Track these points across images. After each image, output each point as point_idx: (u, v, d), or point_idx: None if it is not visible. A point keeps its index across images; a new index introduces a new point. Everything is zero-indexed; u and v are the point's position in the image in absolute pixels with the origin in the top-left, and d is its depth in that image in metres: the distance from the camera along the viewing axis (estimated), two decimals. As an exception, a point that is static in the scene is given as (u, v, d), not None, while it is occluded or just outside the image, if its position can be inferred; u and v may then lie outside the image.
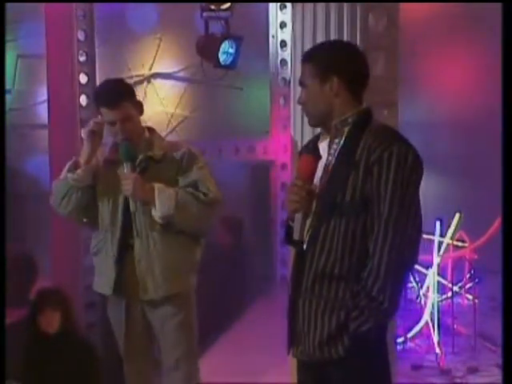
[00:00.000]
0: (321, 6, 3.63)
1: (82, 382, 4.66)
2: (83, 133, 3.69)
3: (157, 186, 3.54)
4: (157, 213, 3.54)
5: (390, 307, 2.64)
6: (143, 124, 3.77)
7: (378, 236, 2.61)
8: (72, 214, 3.74)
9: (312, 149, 2.83)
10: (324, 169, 2.74)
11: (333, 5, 3.63)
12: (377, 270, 2.61)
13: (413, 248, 2.67)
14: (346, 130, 2.73)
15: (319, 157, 2.77)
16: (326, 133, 2.79)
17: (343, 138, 2.73)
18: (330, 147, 2.75)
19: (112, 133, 3.62)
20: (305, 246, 2.75)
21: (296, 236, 2.77)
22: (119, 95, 3.56)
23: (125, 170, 3.55)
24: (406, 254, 2.64)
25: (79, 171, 3.63)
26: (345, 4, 3.59)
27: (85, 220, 3.81)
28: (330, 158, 2.74)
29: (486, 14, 5.87)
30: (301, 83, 2.83)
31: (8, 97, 8.64)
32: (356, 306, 2.63)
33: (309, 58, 2.83)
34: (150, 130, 3.76)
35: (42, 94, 8.28)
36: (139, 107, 3.67)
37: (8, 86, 8.61)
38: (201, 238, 3.79)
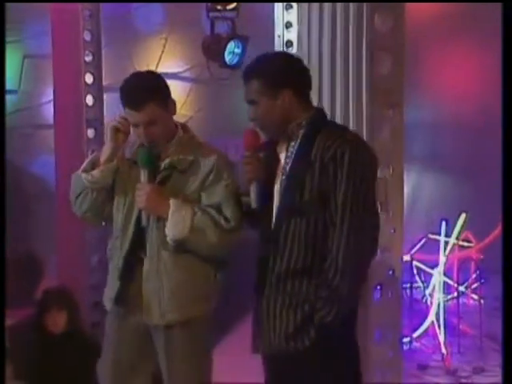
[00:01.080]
0: (327, 6, 3.63)
1: (87, 382, 4.68)
2: (106, 128, 3.29)
3: (173, 202, 3.11)
4: (168, 234, 3.12)
5: (350, 297, 2.79)
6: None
7: (335, 231, 2.75)
8: (86, 215, 3.30)
9: (272, 151, 2.94)
10: (283, 171, 2.89)
11: (339, 5, 3.63)
12: (335, 262, 2.74)
13: (369, 241, 2.82)
14: (301, 132, 2.86)
15: (278, 160, 2.90)
16: (283, 137, 2.90)
17: (298, 140, 2.86)
18: (287, 150, 2.88)
19: (136, 135, 3.19)
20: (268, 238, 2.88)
21: (254, 205, 2.92)
22: (144, 96, 3.08)
23: (141, 178, 3.15)
24: (362, 247, 2.78)
25: (95, 172, 3.20)
26: (351, 4, 3.59)
27: (99, 223, 3.42)
28: (288, 160, 2.87)
29: (492, 14, 5.86)
30: (250, 101, 2.88)
31: (14, 97, 8.68)
32: (319, 298, 2.78)
33: (255, 74, 2.88)
34: (184, 128, 3.29)
35: (48, 95, 8.29)
36: (170, 107, 3.20)
37: (14, 86, 8.66)
38: (223, 260, 3.33)
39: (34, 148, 8.61)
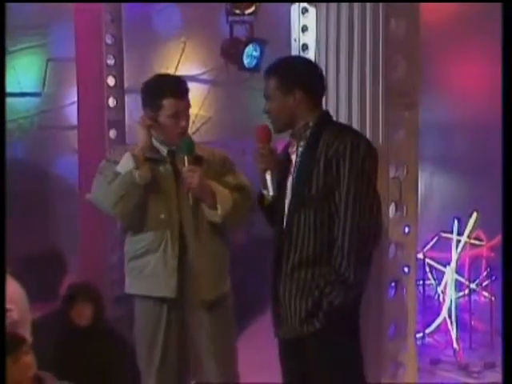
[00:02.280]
0: (344, 11, 3.64)
1: (112, 373, 4.70)
2: (139, 127, 3.43)
3: (214, 184, 3.41)
4: (218, 211, 3.37)
5: (356, 280, 2.94)
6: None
7: (340, 220, 2.93)
8: (129, 214, 3.44)
9: (285, 153, 3.15)
10: (293, 169, 3.07)
11: (356, 10, 3.63)
12: (341, 249, 2.91)
13: (371, 228, 2.97)
14: (308, 132, 3.05)
15: (290, 160, 3.09)
16: (293, 138, 3.10)
17: (306, 140, 3.05)
18: (297, 150, 3.07)
19: (171, 126, 3.41)
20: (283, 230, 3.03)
21: (271, 192, 3.09)
22: (186, 85, 3.49)
23: (186, 164, 3.36)
24: (366, 233, 2.94)
25: (143, 168, 3.37)
26: (367, 9, 3.59)
27: (133, 220, 3.49)
28: (297, 158, 3.07)
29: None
30: (266, 96, 3.11)
31: (38, 99, 8.75)
32: (327, 283, 2.95)
33: (272, 72, 3.12)
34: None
35: (71, 97, 8.34)
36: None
37: (38, 88, 8.73)
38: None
39: (57, 148, 8.67)
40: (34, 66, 8.72)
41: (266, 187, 3.13)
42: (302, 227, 2.99)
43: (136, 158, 3.36)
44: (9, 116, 8.74)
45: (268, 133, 3.13)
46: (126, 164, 3.37)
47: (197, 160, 3.43)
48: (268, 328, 3.47)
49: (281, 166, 3.12)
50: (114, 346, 4.80)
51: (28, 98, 8.71)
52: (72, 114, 8.43)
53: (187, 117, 3.46)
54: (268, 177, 3.09)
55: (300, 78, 3.09)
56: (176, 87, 3.43)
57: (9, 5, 8.29)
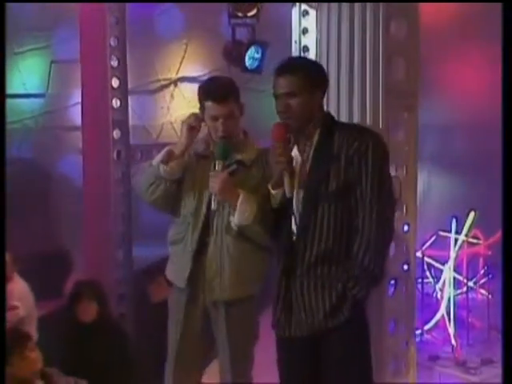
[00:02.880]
0: (345, 13, 3.66)
1: (116, 367, 4.73)
2: (182, 126, 3.49)
3: (242, 192, 3.37)
4: (234, 220, 3.39)
5: (380, 274, 2.96)
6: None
7: (365, 214, 2.91)
8: (156, 202, 3.55)
9: None
10: (301, 166, 3.00)
11: (356, 12, 3.66)
12: (366, 243, 2.90)
13: (392, 222, 3.03)
14: (317, 131, 3.00)
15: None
16: (298, 138, 3.02)
17: (316, 139, 3.00)
18: (304, 148, 3.01)
19: (212, 128, 3.46)
20: (294, 237, 2.99)
21: (289, 194, 2.98)
22: (229, 91, 3.45)
23: (216, 167, 3.38)
24: (388, 227, 2.99)
25: (173, 164, 3.46)
26: (368, 11, 3.62)
27: (166, 209, 3.61)
28: (306, 156, 3.01)
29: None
30: (289, 93, 2.97)
31: (42, 100, 8.78)
32: (351, 277, 2.92)
33: (299, 69, 3.02)
34: (245, 132, 3.61)
35: (74, 97, 8.36)
36: (241, 109, 3.54)
37: (42, 90, 8.75)
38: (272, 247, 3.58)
39: (61, 148, 8.70)
40: (38, 67, 8.74)
41: (277, 187, 3.02)
42: (318, 224, 2.95)
43: (167, 153, 3.46)
44: (14, 116, 8.79)
45: (285, 131, 3.03)
46: (159, 157, 3.49)
47: (234, 164, 3.43)
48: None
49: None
50: (117, 341, 4.83)
51: (32, 99, 8.74)
52: (75, 114, 8.45)
53: (228, 122, 3.42)
54: (286, 178, 2.99)
55: (323, 78, 3.09)
56: (216, 91, 3.43)
57: (14, 7, 8.37)
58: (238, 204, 3.36)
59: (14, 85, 8.77)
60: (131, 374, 4.80)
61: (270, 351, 3.22)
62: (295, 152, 3.03)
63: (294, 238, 3.00)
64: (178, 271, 3.58)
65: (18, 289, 5.55)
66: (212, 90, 3.44)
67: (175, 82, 8.59)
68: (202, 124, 3.50)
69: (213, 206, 3.41)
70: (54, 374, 4.15)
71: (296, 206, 3.01)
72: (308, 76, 2.99)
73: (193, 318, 3.58)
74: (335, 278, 2.94)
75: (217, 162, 3.38)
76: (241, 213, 3.36)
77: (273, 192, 3.04)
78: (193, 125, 3.45)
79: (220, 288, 3.49)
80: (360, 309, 2.99)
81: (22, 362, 3.99)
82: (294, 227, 3.01)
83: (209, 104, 3.41)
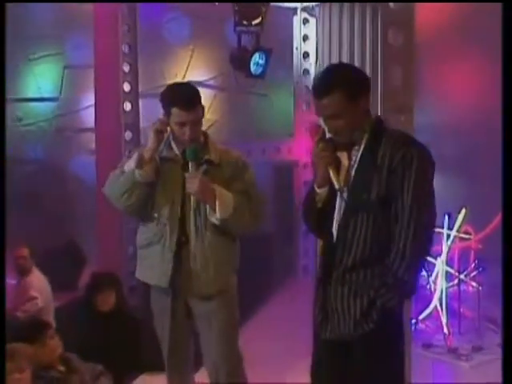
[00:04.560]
0: (346, 23, 3.75)
1: (130, 354, 4.81)
2: (150, 130, 3.44)
3: (217, 188, 3.38)
4: (217, 214, 3.37)
5: (413, 286, 2.84)
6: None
7: (403, 225, 2.77)
8: (131, 207, 3.48)
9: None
10: (346, 173, 2.88)
11: (356, 22, 3.75)
12: (402, 254, 2.77)
13: (430, 234, 2.86)
14: (365, 137, 2.86)
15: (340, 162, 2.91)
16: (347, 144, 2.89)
17: (363, 145, 2.86)
18: (350, 154, 2.88)
19: (179, 133, 3.40)
20: (333, 241, 2.89)
21: (337, 186, 2.86)
22: (195, 98, 3.40)
23: (190, 169, 3.35)
24: (425, 239, 2.83)
25: (147, 168, 3.40)
26: (367, 22, 3.70)
27: (139, 214, 3.55)
28: (352, 163, 2.88)
29: (494, 27, 5.93)
30: (332, 115, 2.80)
31: (55, 104, 8.86)
32: (383, 285, 2.80)
33: (332, 89, 2.79)
34: (205, 134, 3.56)
35: (86, 101, 8.47)
36: (203, 111, 3.49)
37: (55, 94, 8.84)
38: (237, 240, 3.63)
39: (73, 149, 8.78)
40: (52, 72, 8.83)
41: (324, 185, 2.91)
42: (358, 231, 2.83)
43: (139, 158, 3.41)
44: (30, 119, 8.91)
45: (323, 129, 2.90)
46: (131, 163, 3.44)
47: (205, 164, 3.43)
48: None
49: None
50: (133, 329, 4.88)
51: (47, 103, 8.83)
52: (87, 117, 8.55)
53: (195, 127, 3.39)
54: (331, 171, 2.86)
55: (361, 84, 2.86)
56: (182, 99, 3.37)
57: (29, 15, 8.47)
58: (217, 199, 3.35)
59: (29, 89, 8.88)
60: (143, 360, 4.88)
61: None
62: (344, 155, 2.89)
63: (333, 241, 2.90)
64: (158, 272, 3.50)
65: (37, 281, 5.66)
66: (178, 97, 3.38)
67: (182, 87, 8.68)
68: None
69: (193, 205, 3.41)
70: (73, 360, 4.22)
71: (338, 208, 2.90)
72: (346, 92, 2.78)
73: (178, 315, 3.56)
74: (368, 285, 2.83)
75: (190, 164, 3.35)
76: (221, 206, 3.36)
77: (318, 190, 2.94)
78: (160, 129, 3.39)
79: (205, 283, 3.47)
80: (391, 319, 2.85)
81: (43, 349, 4.03)
82: (334, 230, 2.91)
83: (175, 110, 3.35)
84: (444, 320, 5.69)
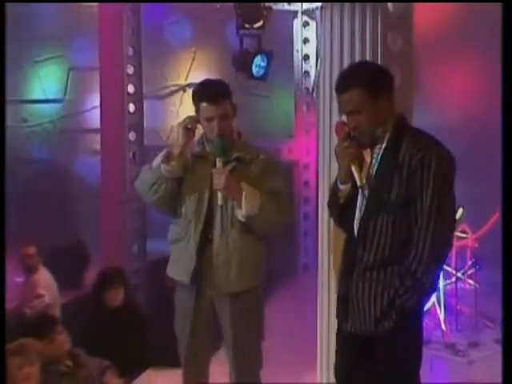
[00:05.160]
0: (346, 26, 3.79)
1: (138, 347, 4.85)
2: (178, 127, 3.41)
3: (244, 184, 3.34)
4: (242, 211, 3.33)
5: (431, 288, 2.82)
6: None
7: (422, 226, 2.74)
8: (158, 201, 3.47)
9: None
10: (368, 171, 2.85)
11: (357, 25, 3.78)
12: (420, 255, 2.74)
13: (450, 236, 2.86)
14: (387, 136, 2.82)
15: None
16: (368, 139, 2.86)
17: (384, 144, 2.83)
18: (372, 151, 2.85)
19: (208, 129, 3.38)
20: (356, 234, 2.87)
21: (360, 182, 2.84)
22: (222, 93, 3.36)
23: (217, 165, 3.33)
24: (445, 241, 2.81)
25: (173, 163, 3.39)
26: (367, 25, 3.74)
27: (167, 209, 3.52)
28: (374, 161, 2.85)
29: (490, 31, 5.97)
30: (351, 111, 2.79)
31: (59, 105, 8.92)
32: (402, 285, 2.78)
33: (352, 85, 2.77)
34: (239, 133, 3.52)
35: (90, 102, 8.52)
36: (235, 109, 3.43)
37: (60, 95, 8.90)
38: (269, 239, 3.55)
39: (77, 150, 8.84)
40: (57, 74, 8.89)
41: (346, 181, 2.89)
42: (378, 230, 2.81)
43: (167, 154, 3.41)
44: (35, 120, 8.97)
45: (346, 128, 2.87)
46: (159, 158, 3.45)
47: (233, 161, 3.39)
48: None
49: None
50: (140, 325, 4.92)
51: (51, 104, 8.89)
52: (91, 118, 8.61)
53: (223, 122, 3.35)
54: (353, 168, 2.83)
55: (384, 80, 2.82)
56: (210, 93, 3.34)
57: (34, 18, 8.51)
58: (244, 196, 3.31)
59: (34, 91, 8.95)
60: (149, 355, 4.92)
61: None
62: (368, 153, 2.86)
63: (355, 238, 2.88)
64: (182, 268, 3.47)
65: (44, 278, 5.71)
66: (206, 92, 3.36)
67: (184, 88, 8.72)
68: (199, 126, 3.43)
69: (219, 202, 3.36)
70: (80, 355, 4.26)
71: (360, 205, 2.88)
72: (367, 88, 2.76)
73: (201, 311, 3.50)
74: (389, 284, 2.81)
75: (217, 160, 3.34)
76: (248, 203, 3.31)
77: (340, 187, 2.93)
78: (188, 126, 3.39)
79: (227, 281, 3.41)
80: (410, 319, 2.82)
81: (51, 344, 4.08)
82: (355, 227, 2.89)
83: (203, 105, 3.34)
84: (442, 317, 5.71)
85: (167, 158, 3.41)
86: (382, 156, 2.83)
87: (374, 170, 2.84)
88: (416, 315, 2.87)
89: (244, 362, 3.54)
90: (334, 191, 3.01)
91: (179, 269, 3.49)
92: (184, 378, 3.67)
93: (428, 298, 2.91)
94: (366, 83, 2.77)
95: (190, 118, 3.42)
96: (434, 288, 2.86)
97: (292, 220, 3.65)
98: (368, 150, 2.87)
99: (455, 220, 2.89)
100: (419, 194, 2.74)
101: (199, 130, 3.48)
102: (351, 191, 2.91)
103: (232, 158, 3.39)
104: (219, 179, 3.32)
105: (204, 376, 3.64)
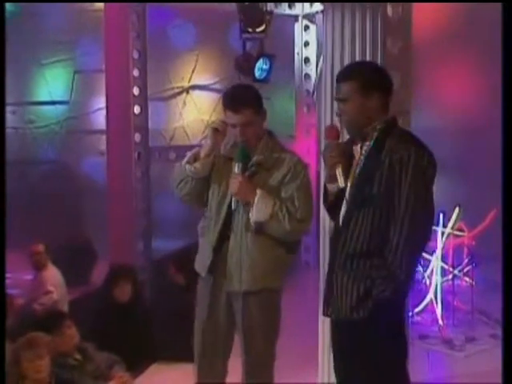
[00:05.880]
0: (347, 31, 3.85)
1: (146, 342, 4.92)
2: (208, 130, 3.51)
3: (259, 191, 3.38)
4: (252, 216, 3.39)
5: (406, 279, 2.89)
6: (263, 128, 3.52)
7: (397, 222, 2.83)
8: (185, 197, 3.57)
9: (349, 148, 3.04)
10: (356, 167, 2.97)
11: (357, 29, 3.84)
12: (395, 248, 2.84)
13: (425, 232, 2.92)
14: (375, 135, 2.94)
15: (353, 156, 3.01)
16: (359, 138, 3.00)
17: (372, 142, 2.95)
18: (361, 149, 2.98)
19: (233, 134, 3.45)
20: (341, 223, 2.98)
21: (342, 184, 2.97)
22: (243, 102, 3.38)
23: (235, 169, 3.40)
24: (419, 237, 2.88)
25: (197, 164, 3.47)
26: (367, 30, 3.80)
27: (195, 204, 3.62)
28: (362, 157, 2.97)
29: (486, 36, 6.01)
30: (342, 99, 2.95)
31: (65, 107, 8.98)
32: (378, 277, 2.88)
33: (350, 76, 2.95)
34: (270, 134, 3.54)
35: (95, 104, 8.59)
36: (262, 114, 3.46)
37: (66, 97, 8.96)
38: (294, 245, 3.60)
39: (83, 150, 8.90)
40: (63, 77, 8.94)
41: (332, 181, 3.02)
42: (359, 223, 2.91)
43: (192, 155, 3.50)
44: (41, 122, 9.04)
45: (337, 132, 3.05)
46: (186, 158, 3.53)
47: (253, 166, 3.42)
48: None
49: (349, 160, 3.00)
50: (147, 320, 4.98)
51: (58, 106, 8.95)
52: (96, 119, 8.68)
53: (245, 129, 3.39)
54: (338, 170, 2.96)
55: (380, 81, 2.96)
56: (231, 101, 3.41)
57: (41, 22, 8.57)
58: (255, 202, 3.36)
59: (40, 93, 9.01)
60: (156, 349, 4.98)
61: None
62: (357, 150, 2.98)
63: (339, 230, 3.00)
64: (201, 261, 3.58)
65: (52, 275, 5.77)
66: (229, 100, 3.42)
67: (187, 90, 8.79)
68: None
69: (233, 206, 3.42)
70: (89, 349, 4.34)
71: (345, 201, 2.98)
72: (360, 82, 2.91)
73: (217, 303, 3.55)
74: (366, 274, 2.91)
75: (236, 164, 3.40)
76: (257, 210, 3.36)
77: (328, 187, 3.05)
78: (218, 128, 3.44)
79: (239, 280, 3.45)
80: (386, 309, 2.90)
81: (60, 338, 4.16)
82: (341, 220, 3.00)
83: (227, 112, 3.41)
84: (439, 313, 5.77)
85: (193, 159, 3.49)
86: (367, 153, 2.95)
87: (360, 166, 2.96)
88: (392, 305, 2.95)
89: (255, 361, 3.56)
90: (324, 189, 3.15)
91: (199, 261, 3.60)
92: (197, 373, 3.69)
93: (404, 289, 2.97)
94: (358, 77, 2.93)
95: (220, 120, 3.49)
96: (410, 279, 2.93)
97: (309, 228, 3.59)
98: (358, 148, 2.98)
99: (432, 216, 2.94)
100: (397, 191, 2.83)
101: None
102: (338, 190, 3.02)
103: (252, 163, 3.43)
104: (234, 184, 3.40)
105: (219, 373, 3.66)
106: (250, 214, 3.40)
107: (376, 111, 2.94)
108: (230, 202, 3.45)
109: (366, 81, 2.93)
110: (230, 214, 3.47)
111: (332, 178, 3.01)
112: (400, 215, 2.82)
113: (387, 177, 2.84)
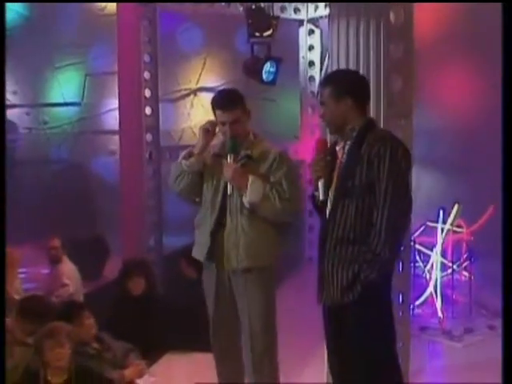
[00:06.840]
0: (352, 36, 3.95)
1: (158, 335, 5.00)
2: (199, 129, 3.80)
3: (251, 176, 3.70)
4: (246, 198, 3.69)
5: (390, 258, 3.16)
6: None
7: (379, 209, 3.11)
8: (182, 191, 3.87)
9: (332, 150, 3.34)
10: (340, 164, 3.25)
11: (361, 34, 3.95)
12: (379, 233, 3.11)
13: (404, 217, 3.18)
14: (354, 134, 3.23)
15: (336, 156, 3.30)
16: (341, 138, 3.30)
17: (352, 140, 3.23)
18: (343, 148, 3.27)
19: (222, 132, 3.75)
20: (327, 215, 3.24)
21: (321, 197, 3.28)
22: (232, 102, 3.71)
23: (228, 160, 3.70)
24: (399, 221, 3.14)
25: (192, 159, 3.79)
26: (371, 35, 3.91)
27: (195, 199, 3.91)
28: (344, 155, 3.25)
29: (486, 38, 6.05)
30: (321, 102, 3.30)
31: (77, 108, 9.11)
32: (365, 261, 3.14)
33: (326, 82, 3.31)
34: (254, 134, 3.85)
35: (106, 106, 8.72)
36: (247, 114, 3.78)
37: (77, 99, 9.08)
38: (285, 227, 3.90)
39: (94, 150, 9.02)
40: (75, 80, 9.06)
41: (317, 191, 3.32)
42: (344, 212, 3.17)
43: (187, 152, 3.84)
44: (54, 122, 9.17)
45: (325, 146, 3.35)
46: (181, 156, 3.87)
47: (243, 158, 3.73)
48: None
49: (330, 168, 3.29)
50: (160, 311, 5.06)
51: (70, 107, 9.07)
52: (107, 120, 8.81)
53: (234, 126, 3.70)
54: (320, 184, 3.28)
55: (350, 87, 3.23)
56: (220, 101, 3.73)
57: (55, 27, 8.69)
58: (249, 184, 3.67)
59: (53, 95, 9.13)
60: (168, 340, 5.07)
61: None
62: (340, 149, 3.27)
63: (327, 219, 3.27)
64: (199, 248, 3.86)
65: (68, 269, 5.89)
66: (219, 101, 3.74)
67: (195, 92, 8.90)
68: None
69: (229, 191, 3.73)
70: (106, 338, 4.47)
71: (330, 200, 3.27)
72: (334, 87, 3.22)
73: (222, 285, 3.85)
74: (354, 260, 3.16)
75: (228, 156, 3.71)
76: (251, 191, 3.67)
77: (315, 193, 3.35)
78: (208, 129, 3.76)
79: (237, 259, 3.74)
80: (373, 291, 3.14)
81: (80, 327, 4.27)
82: (327, 211, 3.28)
83: (218, 112, 3.72)
84: (439, 305, 5.84)
85: (188, 156, 3.82)
86: (349, 150, 3.24)
87: (343, 163, 3.24)
88: (380, 287, 3.20)
89: (259, 337, 3.80)
90: (313, 193, 3.41)
91: (197, 249, 3.90)
92: (214, 354, 4.01)
93: (389, 268, 3.22)
94: (332, 84, 3.27)
95: (209, 121, 3.79)
96: (393, 259, 3.22)
97: (299, 209, 3.96)
98: (341, 147, 3.27)
99: (410, 202, 3.19)
100: (376, 181, 3.12)
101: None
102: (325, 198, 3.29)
103: (242, 156, 3.75)
104: (227, 171, 3.72)
105: (234, 356, 3.95)
106: (244, 197, 3.70)
107: (351, 113, 3.23)
108: (224, 192, 3.76)
109: (338, 86, 3.24)
110: (224, 203, 3.77)
111: (317, 188, 3.32)
112: (381, 203, 3.10)
113: (367, 170, 3.12)
